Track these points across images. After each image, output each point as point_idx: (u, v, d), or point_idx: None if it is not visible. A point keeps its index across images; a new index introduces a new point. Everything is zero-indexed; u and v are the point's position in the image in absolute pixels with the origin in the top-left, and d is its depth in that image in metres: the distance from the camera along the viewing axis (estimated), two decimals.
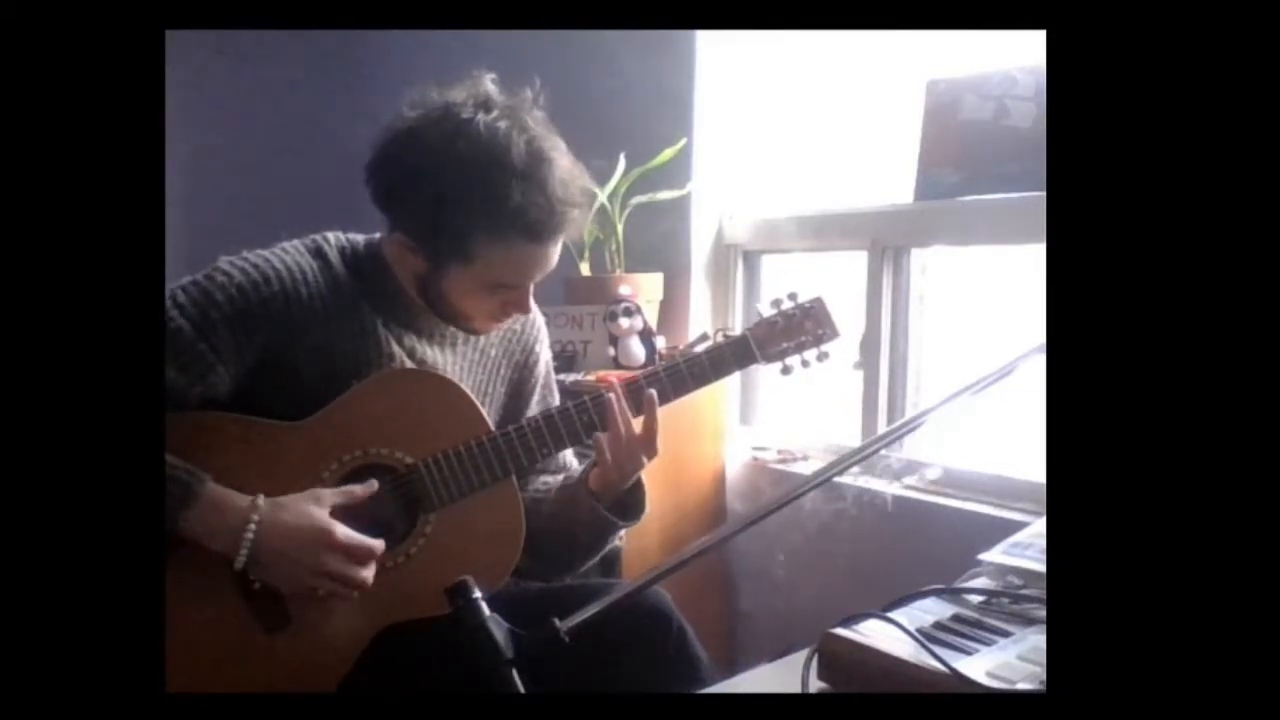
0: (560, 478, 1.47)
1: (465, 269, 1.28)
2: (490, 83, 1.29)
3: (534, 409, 1.47)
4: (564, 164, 1.28)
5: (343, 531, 1.21)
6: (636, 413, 1.32)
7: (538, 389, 1.50)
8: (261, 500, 1.20)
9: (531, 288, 1.34)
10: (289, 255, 1.30)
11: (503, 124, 1.25)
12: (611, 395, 1.31)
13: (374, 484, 1.26)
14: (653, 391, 1.32)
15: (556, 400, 1.51)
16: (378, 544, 1.23)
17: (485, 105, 1.26)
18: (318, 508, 1.21)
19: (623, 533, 1.40)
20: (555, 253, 1.31)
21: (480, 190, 1.23)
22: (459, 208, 1.24)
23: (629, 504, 1.38)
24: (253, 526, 1.18)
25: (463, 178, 1.23)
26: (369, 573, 1.22)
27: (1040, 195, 1.69)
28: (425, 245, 1.28)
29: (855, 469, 1.93)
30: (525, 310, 1.37)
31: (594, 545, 1.41)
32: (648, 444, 1.32)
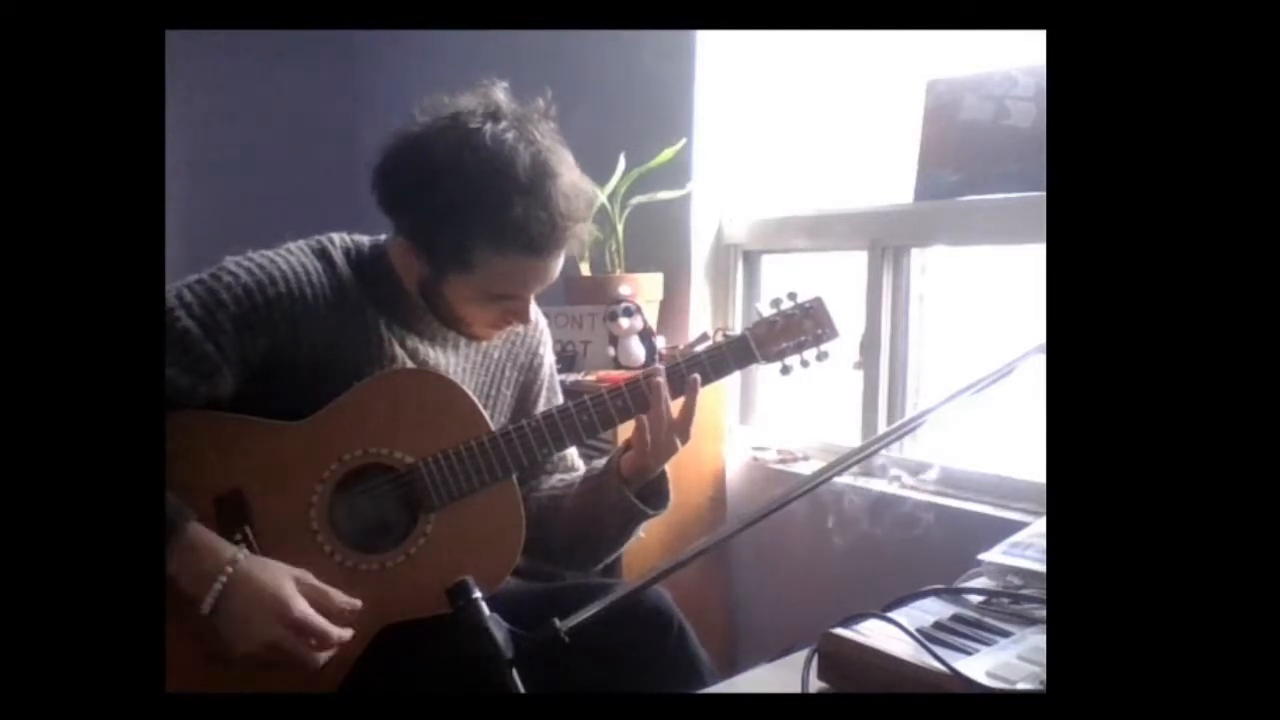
0: (575, 475, 1.47)
1: (465, 277, 1.28)
2: (501, 92, 1.29)
3: (539, 411, 1.47)
4: (569, 178, 1.27)
5: (300, 609, 1.17)
6: (673, 396, 1.33)
7: (543, 391, 1.51)
8: (243, 555, 1.19)
9: (532, 297, 1.34)
10: (294, 256, 1.29)
11: (509, 135, 1.24)
12: (660, 378, 1.31)
13: (357, 603, 1.22)
14: (696, 376, 1.33)
15: (560, 401, 1.50)
16: (335, 632, 1.19)
17: (494, 115, 1.26)
18: (288, 580, 1.19)
19: (641, 528, 1.40)
20: (557, 266, 1.31)
21: (483, 202, 1.22)
22: (461, 218, 1.23)
23: (654, 493, 1.38)
24: (223, 578, 1.16)
25: (466, 188, 1.22)
26: (322, 654, 1.19)
27: (1040, 195, 1.69)
28: (427, 252, 1.28)
29: (855, 469, 1.93)
30: (525, 320, 1.36)
31: (620, 536, 1.40)
32: (683, 429, 1.33)
